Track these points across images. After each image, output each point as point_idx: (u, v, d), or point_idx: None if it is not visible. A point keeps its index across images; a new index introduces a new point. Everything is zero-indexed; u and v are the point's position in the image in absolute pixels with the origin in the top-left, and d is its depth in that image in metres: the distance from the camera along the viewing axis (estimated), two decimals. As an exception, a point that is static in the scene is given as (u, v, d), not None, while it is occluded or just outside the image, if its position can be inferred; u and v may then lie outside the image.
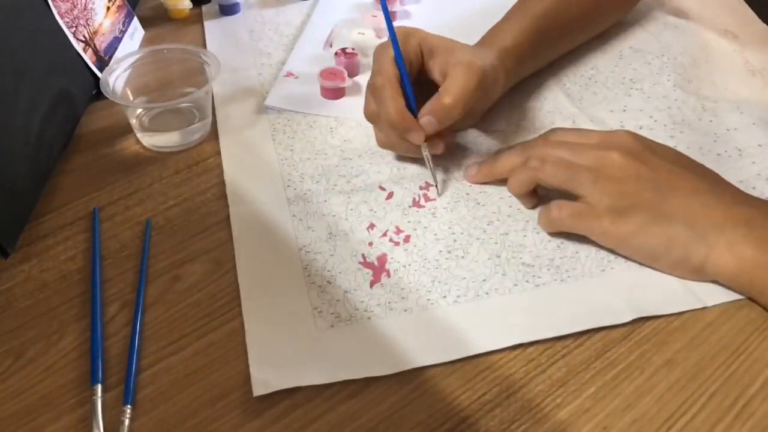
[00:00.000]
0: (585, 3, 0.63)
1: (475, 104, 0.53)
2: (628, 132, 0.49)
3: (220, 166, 0.57)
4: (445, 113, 0.51)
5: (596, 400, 0.40)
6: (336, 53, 0.66)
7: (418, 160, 0.56)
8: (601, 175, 0.46)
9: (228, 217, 0.52)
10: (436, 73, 0.53)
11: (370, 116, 0.54)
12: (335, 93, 0.63)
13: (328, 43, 0.70)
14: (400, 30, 0.53)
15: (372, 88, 0.53)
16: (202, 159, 0.58)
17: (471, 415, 0.39)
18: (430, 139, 0.52)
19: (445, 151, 0.54)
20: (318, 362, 0.42)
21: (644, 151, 0.47)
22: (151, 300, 0.46)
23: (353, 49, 0.67)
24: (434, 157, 0.53)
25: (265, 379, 0.41)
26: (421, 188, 0.53)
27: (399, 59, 0.52)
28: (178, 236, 0.51)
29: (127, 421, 0.39)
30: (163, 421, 0.40)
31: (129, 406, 0.40)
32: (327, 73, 0.63)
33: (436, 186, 0.53)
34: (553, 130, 0.52)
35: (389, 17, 0.52)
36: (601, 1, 0.65)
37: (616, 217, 0.45)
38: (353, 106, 0.63)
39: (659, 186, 0.45)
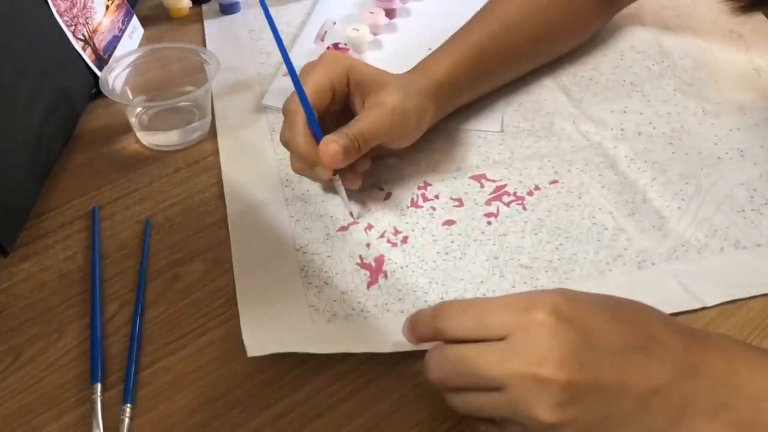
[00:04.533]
0: (533, 30, 0.59)
1: (394, 141, 0.51)
2: None
3: (219, 164, 0.57)
4: (346, 150, 0.47)
5: (593, 400, 0.40)
6: (328, 48, 0.66)
7: (417, 161, 0.56)
8: None
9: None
10: (357, 107, 0.51)
11: (283, 141, 0.50)
12: None
13: (320, 37, 0.70)
14: (329, 54, 0.52)
15: (285, 114, 0.50)
16: (202, 158, 0.58)
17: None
18: (345, 173, 0.50)
19: (362, 185, 0.51)
20: (315, 342, 0.42)
21: None
22: (150, 299, 0.46)
23: (345, 44, 0.66)
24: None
25: (261, 344, 0.42)
26: (419, 188, 0.54)
27: (300, 91, 0.48)
28: (177, 235, 0.51)
29: (126, 420, 0.40)
30: (163, 419, 0.40)
31: (129, 405, 0.40)
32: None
33: (351, 215, 0.51)
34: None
35: (282, 45, 0.48)
36: (553, 27, 0.60)
37: None
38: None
39: None
